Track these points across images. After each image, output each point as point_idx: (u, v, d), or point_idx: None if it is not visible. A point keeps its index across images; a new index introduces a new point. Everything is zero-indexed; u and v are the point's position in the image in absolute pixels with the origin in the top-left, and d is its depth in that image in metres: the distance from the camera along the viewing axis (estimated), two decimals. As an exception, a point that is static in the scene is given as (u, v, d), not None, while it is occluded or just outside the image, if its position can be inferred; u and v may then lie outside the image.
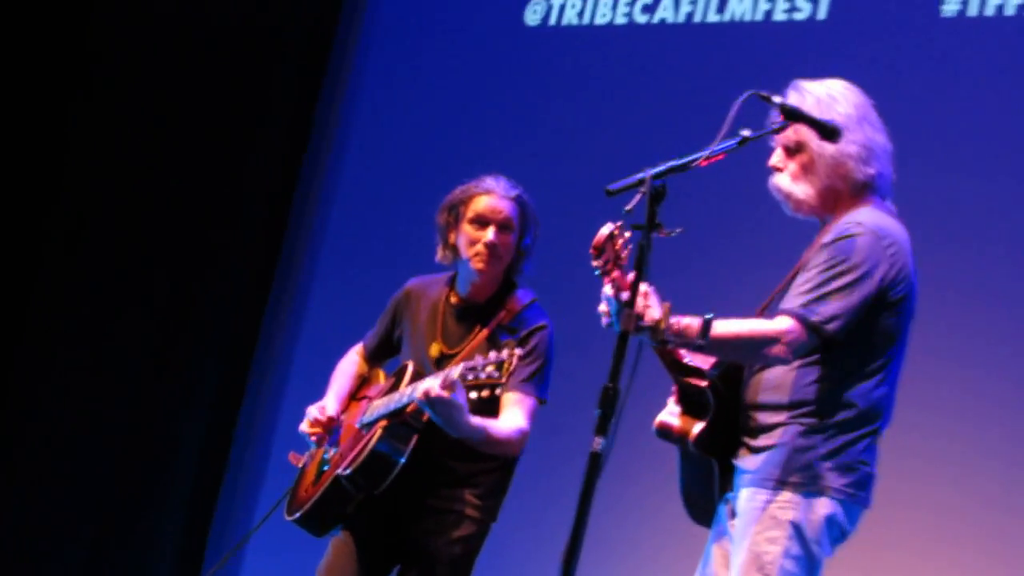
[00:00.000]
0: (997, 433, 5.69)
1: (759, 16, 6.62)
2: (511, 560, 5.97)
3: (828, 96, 3.93)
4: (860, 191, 3.92)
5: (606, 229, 3.72)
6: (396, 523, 4.59)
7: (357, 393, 4.88)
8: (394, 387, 4.61)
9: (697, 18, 6.78)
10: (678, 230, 3.57)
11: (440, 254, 4.73)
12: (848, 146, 3.87)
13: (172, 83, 7.73)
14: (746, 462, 3.87)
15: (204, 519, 7.36)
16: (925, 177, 5.87)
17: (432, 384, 4.29)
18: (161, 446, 7.40)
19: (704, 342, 3.68)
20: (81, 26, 7.89)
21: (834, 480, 3.80)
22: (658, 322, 3.64)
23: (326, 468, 4.65)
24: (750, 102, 3.75)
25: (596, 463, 3.45)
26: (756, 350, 3.79)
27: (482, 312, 4.65)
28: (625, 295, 3.62)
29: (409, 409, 4.45)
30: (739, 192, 5.58)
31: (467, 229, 4.63)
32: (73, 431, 7.49)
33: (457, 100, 7.33)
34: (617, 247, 3.71)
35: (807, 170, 3.93)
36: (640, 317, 3.60)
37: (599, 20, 7.03)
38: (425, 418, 4.41)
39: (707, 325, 3.68)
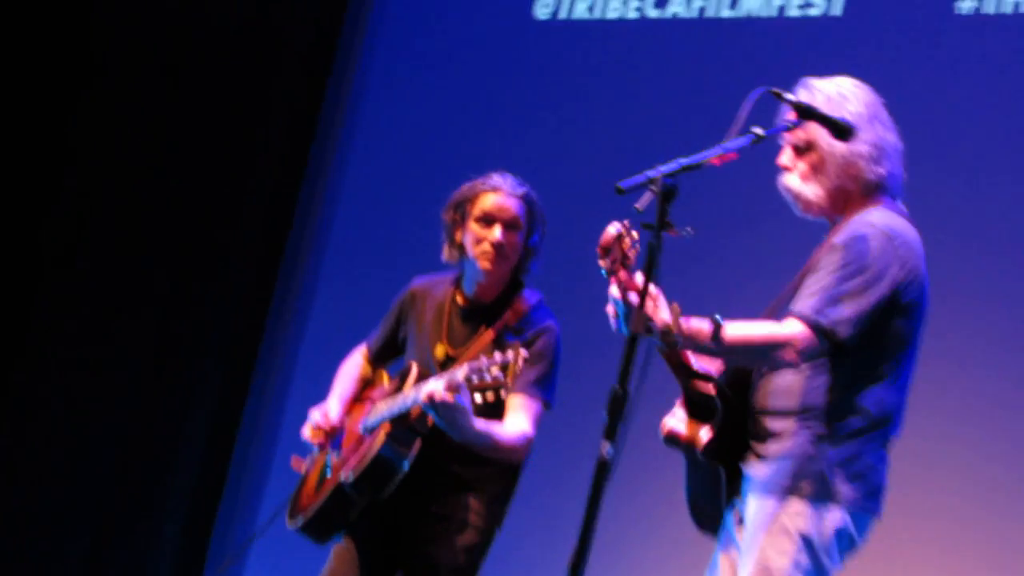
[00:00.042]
0: (1011, 440, 5.66)
1: (772, 12, 6.60)
2: (516, 569, 5.94)
3: (838, 94, 3.90)
4: (871, 191, 3.89)
5: (613, 229, 3.68)
6: (399, 530, 4.56)
7: (360, 395, 4.85)
8: (398, 389, 4.58)
9: (709, 13, 6.75)
10: (689, 230, 3.54)
11: (446, 253, 4.70)
12: (859, 145, 3.84)
13: (175, 83, 7.72)
14: (754, 469, 3.83)
15: (205, 524, 7.34)
16: (940, 177, 5.85)
17: (436, 387, 4.26)
18: (162, 448, 7.39)
19: (715, 345, 3.65)
20: (84, 25, 7.87)
21: (845, 489, 3.76)
22: (668, 324, 3.61)
23: (328, 474, 4.62)
24: (760, 99, 3.72)
25: (604, 469, 3.42)
26: (765, 354, 3.75)
27: (488, 312, 4.63)
28: (632, 296, 3.59)
29: (413, 413, 4.42)
30: (745, 190, 5.56)
31: (473, 227, 4.60)
32: (73, 432, 7.49)
33: (464, 96, 7.30)
34: (624, 247, 3.67)
35: (817, 170, 3.90)
36: (650, 319, 3.56)
37: (610, 14, 7.01)
38: (430, 422, 4.37)
39: (718, 327, 3.64)
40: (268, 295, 7.55)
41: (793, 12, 6.55)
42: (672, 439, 3.89)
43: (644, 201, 3.53)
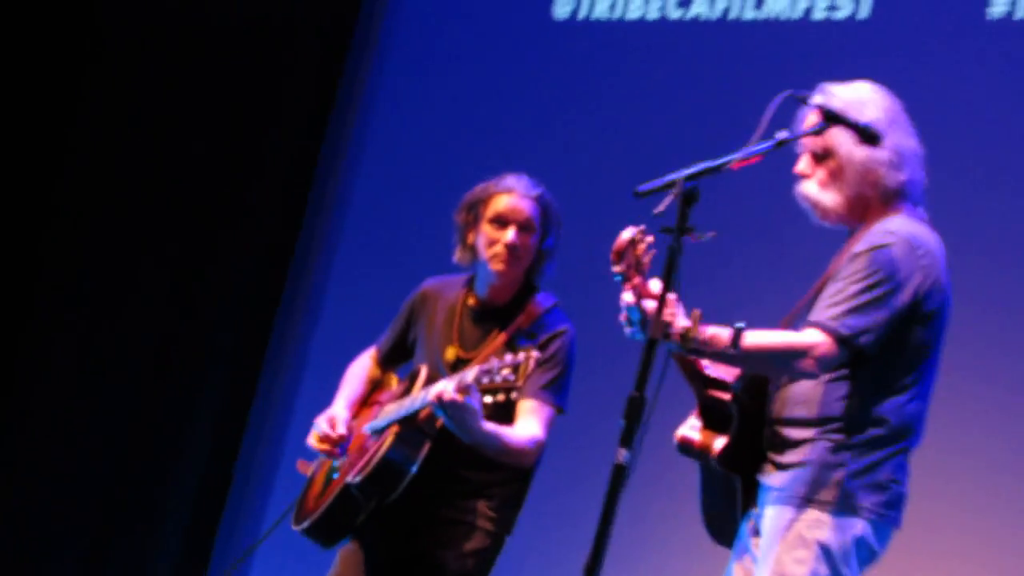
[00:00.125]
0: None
1: (798, 14, 6.60)
2: (528, 576, 5.96)
3: (857, 99, 3.90)
4: (891, 198, 3.90)
5: (627, 233, 3.70)
6: (406, 534, 4.57)
7: (368, 398, 4.86)
8: (407, 391, 4.59)
9: (733, 15, 6.75)
10: (710, 234, 3.55)
11: (458, 255, 4.71)
12: (878, 151, 3.85)
13: (183, 81, 7.74)
14: (772, 479, 3.85)
15: (209, 526, 7.35)
16: (970, 186, 5.85)
17: (446, 387, 4.27)
18: (165, 450, 7.41)
19: (736, 352, 3.67)
20: (89, 21, 7.89)
21: (864, 499, 3.77)
22: (687, 330, 3.62)
23: (335, 476, 4.62)
24: (783, 103, 3.73)
25: (620, 476, 3.43)
26: (784, 363, 3.77)
27: (501, 315, 4.64)
28: (646, 302, 3.60)
29: (422, 414, 4.43)
30: (763, 196, 5.56)
31: (486, 229, 4.61)
32: (75, 432, 7.51)
33: (479, 96, 7.31)
34: (638, 252, 3.69)
35: (835, 177, 3.90)
36: (668, 324, 3.58)
37: (631, 15, 7.01)
38: (439, 424, 4.39)
39: (738, 335, 3.66)
40: (278, 295, 7.56)
41: (819, 15, 6.55)
42: (686, 446, 3.91)
43: (664, 205, 3.54)
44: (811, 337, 3.73)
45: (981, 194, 5.92)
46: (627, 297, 3.69)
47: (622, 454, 3.44)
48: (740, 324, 3.66)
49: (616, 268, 3.71)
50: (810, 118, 3.92)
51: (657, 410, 3.49)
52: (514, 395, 4.20)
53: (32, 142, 7.81)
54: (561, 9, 7.20)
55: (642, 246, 3.69)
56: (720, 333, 3.68)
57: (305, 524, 4.63)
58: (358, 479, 4.46)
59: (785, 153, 3.89)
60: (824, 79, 4.00)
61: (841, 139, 3.86)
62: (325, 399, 4.87)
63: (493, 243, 4.59)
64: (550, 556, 5.97)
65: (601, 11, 7.10)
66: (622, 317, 3.70)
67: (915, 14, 6.35)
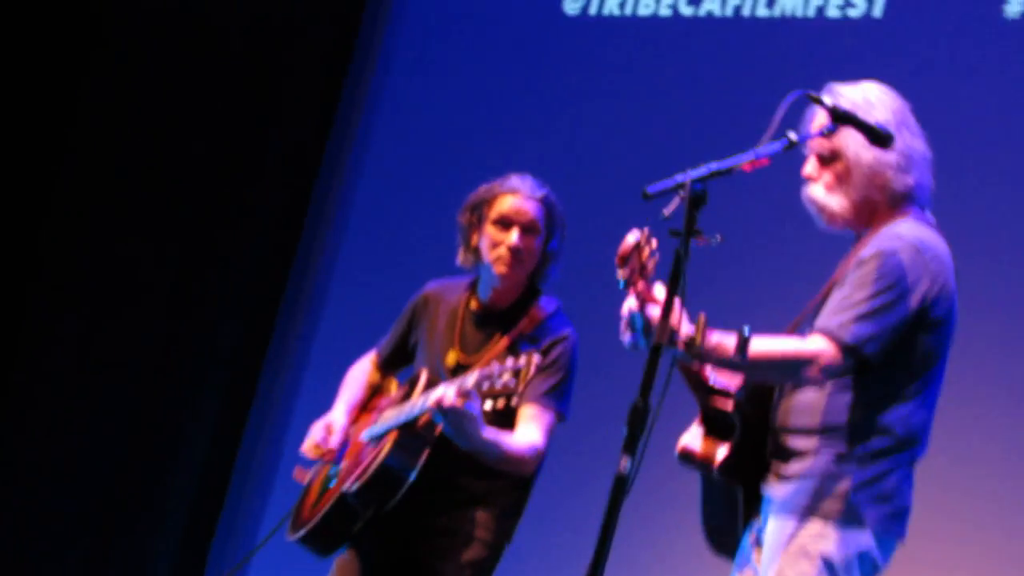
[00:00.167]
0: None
1: (811, 12, 6.58)
2: (527, 586, 5.94)
3: (864, 101, 3.88)
4: (898, 202, 3.88)
5: (632, 238, 3.67)
6: (404, 543, 4.56)
7: (368, 404, 4.84)
8: (406, 397, 4.58)
9: (745, 12, 6.74)
10: (718, 237, 3.52)
11: (461, 257, 4.70)
12: (886, 154, 3.83)
13: (185, 79, 7.74)
14: (774, 490, 3.83)
15: (205, 534, 7.35)
16: (985, 188, 5.82)
17: (446, 392, 4.25)
18: (164, 451, 7.41)
19: (741, 359, 3.64)
20: (92, 16, 7.89)
21: (869, 511, 3.76)
22: (693, 336, 3.59)
23: (332, 484, 4.60)
24: (795, 102, 3.70)
25: (621, 485, 3.42)
26: (788, 371, 3.75)
27: (503, 319, 4.62)
28: (650, 308, 3.57)
29: (421, 420, 4.41)
30: (767, 199, 5.55)
31: (490, 231, 4.59)
32: (72, 434, 7.51)
33: (485, 93, 7.30)
34: (643, 257, 3.66)
35: (842, 180, 3.88)
36: (674, 330, 3.55)
37: (642, 11, 7.00)
38: (438, 430, 4.36)
39: (744, 342, 3.63)
40: (279, 296, 7.56)
41: (833, 13, 6.53)
42: (687, 456, 3.90)
43: (672, 207, 3.51)
44: (816, 345, 3.71)
45: (999, 196, 5.89)
46: (630, 303, 3.66)
47: (624, 463, 3.41)
48: (746, 331, 3.63)
49: (620, 273, 3.68)
50: (818, 118, 3.89)
51: (660, 418, 3.46)
52: (514, 401, 4.18)
53: (33, 141, 7.82)
54: (571, 5, 7.18)
55: (647, 250, 3.66)
56: (725, 340, 3.65)
57: (301, 533, 4.61)
58: (355, 487, 4.44)
59: (790, 155, 3.86)
60: (837, 79, 3.98)
61: (849, 141, 3.83)
62: (325, 401, 4.86)
63: (496, 245, 4.58)
64: (550, 566, 5.96)
65: (612, 7, 7.07)
66: (623, 324, 3.67)
67: (930, 13, 6.34)
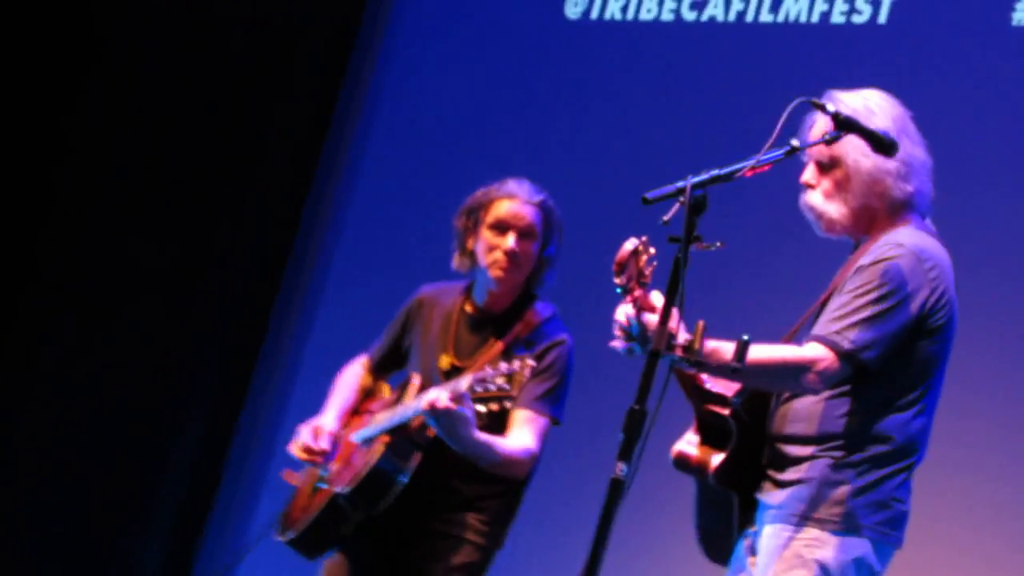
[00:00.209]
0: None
1: (815, 17, 6.58)
2: (519, 592, 5.94)
3: (865, 108, 3.88)
4: (897, 209, 3.89)
5: (630, 244, 3.68)
6: (394, 546, 4.58)
7: (359, 407, 4.84)
8: (398, 400, 4.58)
9: (749, 17, 6.74)
10: (718, 244, 3.54)
11: (457, 261, 4.71)
12: (886, 162, 3.83)
13: (181, 79, 7.75)
14: (770, 497, 3.84)
15: (193, 535, 7.37)
16: (990, 196, 5.83)
17: (439, 395, 4.27)
18: (154, 451, 7.42)
19: (740, 366, 3.65)
20: (87, 17, 7.90)
21: (866, 517, 3.77)
22: (691, 342, 3.60)
23: (322, 487, 4.61)
24: (796, 109, 3.71)
25: (617, 491, 3.42)
26: (786, 378, 3.76)
27: (498, 323, 4.63)
28: (647, 316, 3.58)
29: (414, 423, 4.43)
30: (765, 206, 5.55)
31: (486, 235, 4.61)
32: (65, 433, 7.52)
33: (484, 96, 7.30)
34: (640, 264, 3.67)
35: (841, 187, 3.89)
36: (673, 336, 3.56)
37: (644, 16, 7.00)
38: (431, 434, 4.37)
39: (743, 348, 3.64)
40: (272, 297, 7.57)
41: (837, 18, 6.53)
42: (682, 462, 3.90)
43: (671, 213, 3.53)
44: (814, 352, 3.72)
45: (1004, 205, 5.89)
46: (627, 310, 3.67)
47: (620, 468, 3.42)
48: (745, 337, 3.64)
49: (618, 280, 3.69)
50: (819, 125, 3.90)
51: (656, 423, 3.47)
52: (508, 405, 4.19)
53: (32, 141, 7.83)
54: (573, 9, 7.19)
55: (645, 257, 3.67)
56: (722, 347, 3.66)
57: (290, 535, 4.63)
58: (347, 490, 4.45)
59: (790, 161, 3.87)
60: (841, 85, 3.99)
61: (848, 148, 3.84)
62: (317, 403, 4.87)
63: (493, 249, 4.59)
64: (545, 570, 5.96)
65: (613, 11, 7.08)
66: (617, 331, 3.67)
67: (936, 19, 6.33)
